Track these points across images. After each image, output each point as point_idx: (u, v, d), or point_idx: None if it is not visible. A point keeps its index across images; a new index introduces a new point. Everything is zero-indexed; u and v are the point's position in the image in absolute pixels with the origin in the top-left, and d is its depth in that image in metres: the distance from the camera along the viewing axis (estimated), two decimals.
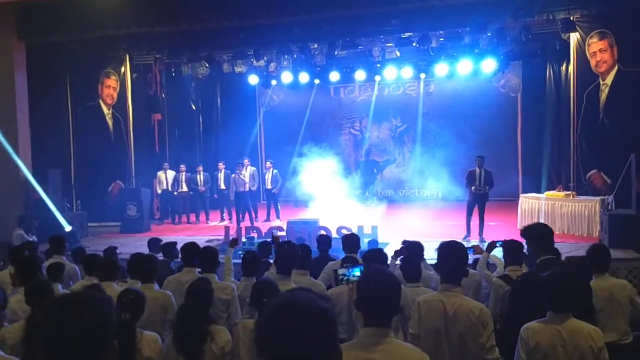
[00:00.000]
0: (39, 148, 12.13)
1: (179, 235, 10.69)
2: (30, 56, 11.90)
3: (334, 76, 14.03)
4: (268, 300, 3.21)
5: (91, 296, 1.59)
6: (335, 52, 12.24)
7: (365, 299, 2.27)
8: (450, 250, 3.24)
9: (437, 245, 5.52)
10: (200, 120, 16.35)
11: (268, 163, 13.74)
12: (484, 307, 3.11)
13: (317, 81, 14.59)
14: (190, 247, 4.90)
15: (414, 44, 11.89)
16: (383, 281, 2.32)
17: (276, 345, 1.32)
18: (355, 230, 8.55)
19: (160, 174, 13.51)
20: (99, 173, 13.27)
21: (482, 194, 10.02)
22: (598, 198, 10.01)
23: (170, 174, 13.54)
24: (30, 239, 8.68)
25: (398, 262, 4.96)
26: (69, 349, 1.44)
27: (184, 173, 13.56)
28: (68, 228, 10.71)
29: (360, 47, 12.39)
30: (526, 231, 4.09)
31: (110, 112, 13.56)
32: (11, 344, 3.17)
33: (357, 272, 3.38)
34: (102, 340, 1.49)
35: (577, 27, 10.80)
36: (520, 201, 11.29)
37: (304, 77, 14.16)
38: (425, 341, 2.92)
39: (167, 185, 13.47)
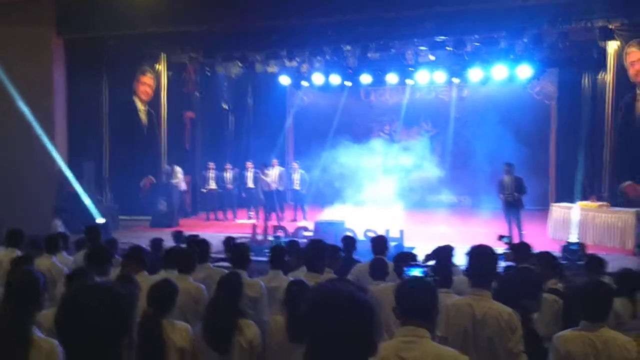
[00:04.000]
0: (75, 141, 12.44)
1: (207, 231, 10.81)
2: (68, 51, 12.20)
3: (366, 78, 13.99)
4: (300, 291, 3.26)
5: (106, 290, 1.60)
6: (368, 55, 12.21)
7: (403, 304, 2.31)
8: (480, 254, 3.22)
9: (465, 250, 5.49)
10: (232, 119, 16.53)
11: (295, 164, 13.82)
12: (512, 311, 3.08)
13: (348, 83, 14.56)
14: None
15: (448, 48, 11.79)
16: (420, 287, 2.38)
17: (315, 332, 1.34)
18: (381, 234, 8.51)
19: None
20: (132, 167, 13.51)
21: (512, 201, 9.86)
22: (633, 209, 9.76)
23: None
24: (62, 230, 8.93)
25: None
26: (79, 339, 1.49)
27: (212, 171, 13.74)
28: (100, 220, 10.93)
29: (393, 50, 12.31)
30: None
31: (145, 108, 13.82)
32: (48, 327, 3.25)
33: (414, 272, 3.40)
34: (114, 332, 1.52)
35: (615, 35, 10.58)
36: (551, 210, 11.09)
37: (335, 79, 14.15)
38: (452, 344, 2.89)
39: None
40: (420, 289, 2.36)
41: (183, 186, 13.41)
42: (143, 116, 13.83)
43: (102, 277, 4.21)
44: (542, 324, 4.07)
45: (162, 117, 13.79)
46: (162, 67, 13.72)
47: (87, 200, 11.31)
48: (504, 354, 2.98)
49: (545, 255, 4.82)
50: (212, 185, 13.71)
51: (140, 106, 13.83)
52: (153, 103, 13.79)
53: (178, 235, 7.37)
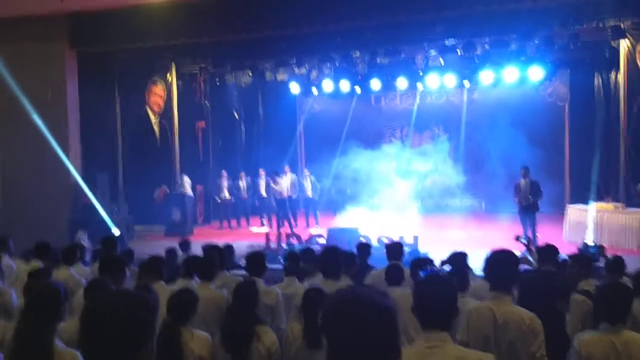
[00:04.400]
0: (89, 153, 12.56)
1: (221, 240, 10.83)
2: (81, 64, 12.36)
3: (375, 84, 14.00)
4: (317, 297, 3.25)
5: (126, 299, 1.63)
6: (377, 60, 12.23)
7: (422, 302, 2.27)
8: (500, 259, 3.20)
9: (479, 255, 5.45)
10: (243, 128, 16.61)
11: (306, 171, 13.84)
12: (534, 316, 3.05)
13: (358, 89, 14.58)
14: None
15: (457, 51, 11.76)
16: (438, 284, 2.35)
17: (338, 338, 1.34)
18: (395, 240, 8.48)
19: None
20: (146, 178, 13.62)
21: (527, 205, 9.79)
22: None
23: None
24: (86, 242, 9.08)
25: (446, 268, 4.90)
26: (101, 348, 1.51)
27: (225, 179, 13.81)
28: (116, 231, 11.02)
29: (402, 54, 12.31)
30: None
31: (157, 119, 13.95)
32: (66, 338, 3.28)
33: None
34: (135, 341, 1.53)
35: (627, 34, 10.49)
36: (567, 212, 10.98)
37: (344, 86, 14.19)
38: (473, 349, 2.87)
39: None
40: (439, 285, 2.34)
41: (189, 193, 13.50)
42: (156, 127, 13.97)
43: (117, 286, 4.25)
44: (572, 325, 4.06)
45: (175, 127, 13.92)
46: (172, 78, 13.86)
47: (102, 212, 11.41)
48: (527, 358, 2.96)
49: (582, 256, 4.78)
50: (226, 194, 13.77)
51: (153, 117, 13.96)
52: (165, 114, 13.92)
53: (185, 245, 7.37)
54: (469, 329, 3.08)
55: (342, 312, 1.39)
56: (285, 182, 13.07)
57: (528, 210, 9.82)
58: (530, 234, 9.76)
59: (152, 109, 13.96)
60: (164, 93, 13.91)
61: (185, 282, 4.61)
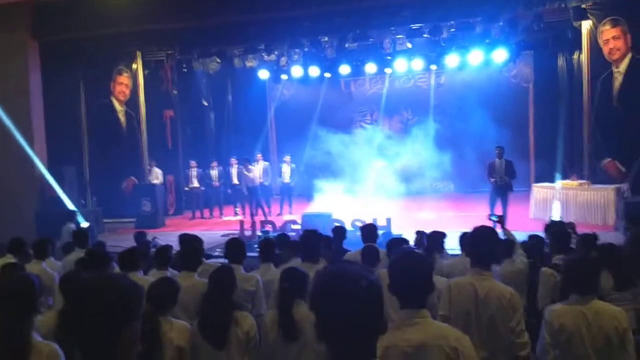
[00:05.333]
0: (54, 145, 12.27)
1: (194, 230, 10.76)
2: (43, 54, 12.02)
3: (345, 69, 14.01)
4: (290, 286, 3.25)
5: (118, 279, 1.63)
6: (346, 45, 12.25)
7: (398, 281, 2.30)
8: (481, 235, 3.29)
9: (451, 235, 5.58)
10: (212, 116, 16.41)
11: (287, 157, 13.74)
12: (514, 291, 3.15)
13: (327, 75, 14.58)
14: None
15: (424, 35, 11.87)
16: (412, 261, 2.37)
17: (327, 313, 1.38)
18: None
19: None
20: (113, 169, 13.39)
21: (503, 184, 9.96)
22: (613, 186, 9.97)
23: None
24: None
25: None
26: (87, 328, 1.51)
27: (194, 169, 13.66)
28: (85, 224, 10.81)
29: (370, 39, 12.37)
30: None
31: (123, 108, 13.68)
32: (44, 332, 3.23)
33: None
34: (122, 317, 1.55)
35: (589, 14, 10.73)
36: (533, 191, 11.26)
37: (314, 71, 14.13)
38: (454, 323, 2.94)
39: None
40: (414, 262, 2.35)
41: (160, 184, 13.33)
42: (122, 117, 13.70)
43: None
44: (541, 298, 4.21)
45: (141, 116, 13.67)
46: (138, 66, 13.58)
47: (70, 204, 11.18)
48: (506, 332, 3.05)
49: (557, 230, 4.90)
50: (195, 183, 13.63)
51: (119, 107, 13.68)
52: (131, 103, 13.65)
53: (140, 237, 7.24)
54: (451, 303, 3.16)
55: (331, 288, 1.42)
56: (257, 170, 13.02)
57: (502, 190, 9.98)
58: (499, 213, 9.96)
59: (117, 99, 13.68)
60: (129, 82, 13.63)
61: (159, 273, 4.58)
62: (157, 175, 13.20)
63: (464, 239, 4.96)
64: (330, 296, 1.41)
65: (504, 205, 9.94)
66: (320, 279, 1.46)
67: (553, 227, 5.08)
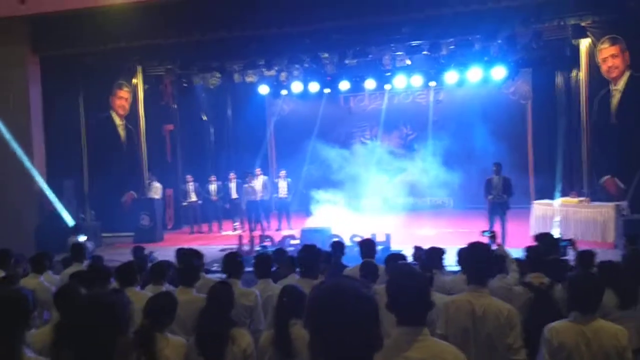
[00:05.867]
0: (53, 159, 12.27)
1: (193, 244, 10.72)
2: (44, 68, 12.07)
3: (344, 85, 14.06)
4: (288, 302, 3.22)
5: (106, 297, 1.76)
6: (346, 61, 12.32)
7: (396, 298, 2.27)
8: (476, 252, 3.27)
9: (449, 251, 5.56)
10: (212, 130, 16.45)
11: (282, 172, 13.78)
12: (512, 308, 3.13)
13: (327, 90, 14.61)
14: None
15: (424, 52, 11.95)
16: (410, 278, 2.35)
17: (323, 329, 1.36)
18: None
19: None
20: (112, 184, 13.36)
21: (500, 202, 9.93)
22: (612, 204, 9.96)
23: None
24: (90, 246, 8.97)
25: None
26: (82, 341, 1.63)
27: (191, 183, 13.65)
28: (83, 238, 10.76)
29: (370, 55, 12.45)
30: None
31: (123, 123, 13.71)
32: (38, 348, 3.19)
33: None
34: (112, 336, 1.66)
35: (588, 33, 10.81)
36: (533, 208, 11.25)
37: (314, 87, 14.18)
38: (452, 341, 2.91)
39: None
40: (412, 279, 2.33)
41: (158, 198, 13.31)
42: (121, 131, 13.72)
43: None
44: None
45: (141, 131, 13.69)
46: (138, 81, 13.64)
47: (68, 219, 11.15)
48: (504, 349, 3.02)
49: (533, 249, 4.88)
50: (193, 197, 13.61)
51: (118, 121, 13.71)
52: (131, 117, 13.68)
53: (138, 251, 7.21)
54: (448, 321, 3.13)
55: (328, 304, 1.40)
56: (257, 184, 13.01)
57: (499, 207, 9.95)
58: (497, 229, 9.92)
59: (117, 113, 13.71)
60: (129, 96, 13.67)
61: (155, 288, 4.54)
62: (156, 190, 13.20)
63: (461, 255, 4.94)
64: (326, 311, 1.39)
65: (502, 222, 9.90)
66: (315, 294, 1.44)
67: (538, 244, 5.07)
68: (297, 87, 14.20)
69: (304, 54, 12.42)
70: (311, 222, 12.10)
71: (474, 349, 3.04)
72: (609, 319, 3.49)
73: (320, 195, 12.77)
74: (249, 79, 13.52)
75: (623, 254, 5.95)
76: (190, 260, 4.70)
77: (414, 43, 11.95)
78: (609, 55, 10.58)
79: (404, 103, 16.18)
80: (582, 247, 8.57)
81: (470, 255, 3.29)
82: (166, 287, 4.64)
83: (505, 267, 4.69)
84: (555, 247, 4.96)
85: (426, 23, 10.61)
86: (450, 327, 3.12)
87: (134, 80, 13.62)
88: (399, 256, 5.03)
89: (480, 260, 3.24)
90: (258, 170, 13.49)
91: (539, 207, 11.16)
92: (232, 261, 4.59)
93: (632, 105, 10.37)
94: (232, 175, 13.76)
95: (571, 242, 5.37)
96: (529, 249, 4.86)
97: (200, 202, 13.61)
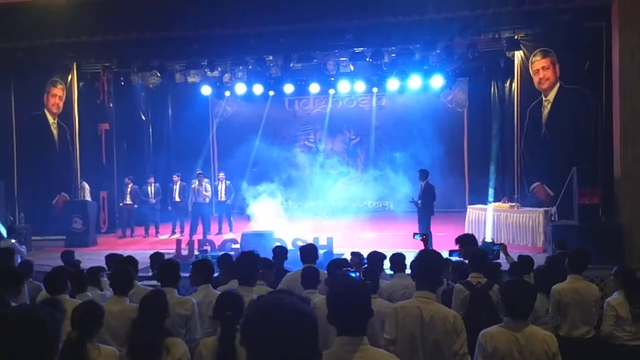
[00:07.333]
0: None
1: (127, 249, 10.42)
2: None
3: (289, 88, 14.03)
4: (232, 314, 3.20)
5: (29, 315, 1.61)
6: (291, 65, 12.30)
7: (336, 310, 2.27)
8: (426, 258, 3.36)
9: (389, 254, 5.70)
10: (151, 131, 15.99)
11: (221, 174, 13.60)
12: (457, 314, 3.22)
13: (271, 93, 14.57)
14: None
15: (367, 59, 12.12)
16: (350, 288, 2.35)
17: (260, 346, 1.35)
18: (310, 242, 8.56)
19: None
20: (44, 185, 12.79)
21: (419, 207, 10.20)
22: (542, 209, 10.46)
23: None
24: (23, 249, 8.55)
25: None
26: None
27: (130, 185, 13.21)
28: (10, 242, 10.20)
29: (315, 60, 12.52)
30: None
31: (56, 121, 13.14)
32: None
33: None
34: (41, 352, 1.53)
35: (521, 45, 11.30)
36: (467, 212, 11.66)
37: (258, 89, 14.06)
38: (400, 346, 2.98)
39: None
40: (352, 290, 2.32)
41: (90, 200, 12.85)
42: (54, 130, 13.13)
43: (15, 300, 4.01)
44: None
45: (75, 130, 13.13)
46: (73, 78, 13.08)
47: None
48: (450, 355, 3.10)
49: (476, 251, 5.07)
50: (128, 200, 13.17)
51: (51, 119, 13.13)
52: (64, 116, 13.12)
53: (67, 256, 6.96)
54: (397, 327, 3.18)
55: (264, 320, 1.39)
56: (205, 186, 12.78)
57: (420, 212, 10.22)
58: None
59: (50, 111, 13.12)
60: (63, 94, 13.10)
61: (86, 295, 4.41)
62: (85, 192, 12.72)
63: (411, 262, 5.10)
64: (263, 328, 1.37)
65: (422, 226, 10.10)
66: (253, 310, 1.43)
67: (470, 246, 5.32)
68: (241, 88, 14.02)
69: (249, 55, 12.33)
70: (253, 226, 12.02)
71: (421, 355, 3.11)
72: (538, 323, 3.69)
73: (262, 198, 12.69)
74: (191, 79, 13.23)
75: (547, 257, 6.31)
76: (122, 266, 4.57)
77: (357, 50, 12.11)
78: (541, 68, 11.10)
79: (347, 108, 16.38)
80: (512, 251, 8.98)
81: (422, 261, 3.37)
82: (91, 291, 4.50)
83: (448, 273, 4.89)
84: (476, 246, 5.21)
85: (369, 31, 10.77)
86: (399, 332, 3.17)
87: (69, 78, 13.06)
88: (341, 262, 5.08)
89: (430, 266, 3.33)
90: (198, 172, 13.24)
91: (472, 211, 11.59)
92: (168, 269, 4.45)
93: (561, 116, 10.90)
94: (175, 177, 13.41)
95: (502, 247, 5.63)
96: (473, 252, 5.04)
97: (136, 205, 13.15)
